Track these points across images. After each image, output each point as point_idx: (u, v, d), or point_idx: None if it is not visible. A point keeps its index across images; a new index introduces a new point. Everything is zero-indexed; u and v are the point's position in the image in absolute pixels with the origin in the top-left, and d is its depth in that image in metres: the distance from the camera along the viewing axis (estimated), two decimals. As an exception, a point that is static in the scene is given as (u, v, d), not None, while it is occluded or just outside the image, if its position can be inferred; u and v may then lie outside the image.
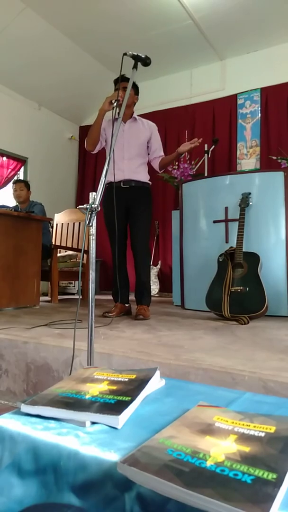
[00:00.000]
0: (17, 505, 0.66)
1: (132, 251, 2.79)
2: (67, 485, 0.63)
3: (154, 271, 5.08)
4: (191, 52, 4.89)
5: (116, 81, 2.67)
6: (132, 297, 2.86)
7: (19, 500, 0.66)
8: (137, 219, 2.77)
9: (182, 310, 3.31)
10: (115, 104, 2.50)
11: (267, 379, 1.25)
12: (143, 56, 1.89)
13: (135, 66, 1.89)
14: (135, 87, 2.76)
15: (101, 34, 4.50)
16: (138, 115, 2.87)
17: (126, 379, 0.90)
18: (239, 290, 2.63)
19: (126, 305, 2.86)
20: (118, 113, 1.82)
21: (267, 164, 4.49)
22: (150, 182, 2.88)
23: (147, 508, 0.55)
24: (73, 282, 5.14)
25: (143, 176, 2.82)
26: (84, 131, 6.18)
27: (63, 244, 4.39)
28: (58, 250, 4.07)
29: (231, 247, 2.83)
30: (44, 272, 3.70)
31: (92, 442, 0.66)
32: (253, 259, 2.72)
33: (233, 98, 4.99)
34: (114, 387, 0.86)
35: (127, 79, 2.15)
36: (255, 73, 4.80)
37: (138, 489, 0.56)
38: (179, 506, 0.52)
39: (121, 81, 2.25)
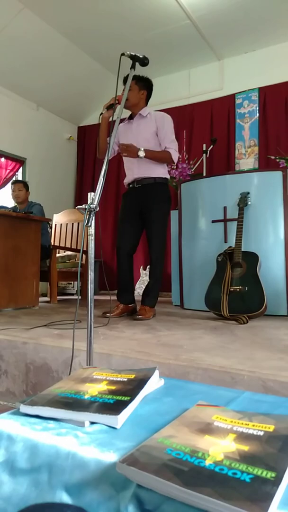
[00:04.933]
0: (5, 502, 0.66)
1: (149, 254, 2.77)
2: (61, 484, 0.63)
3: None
4: (189, 52, 4.89)
5: (125, 81, 2.63)
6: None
7: (7, 497, 0.67)
8: (151, 221, 2.71)
9: (181, 310, 3.31)
10: (105, 110, 2.50)
11: (266, 378, 1.25)
12: (141, 56, 1.90)
13: (133, 66, 1.90)
14: (143, 82, 2.68)
15: (99, 34, 4.50)
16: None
17: (125, 379, 0.90)
18: (238, 289, 2.63)
19: (130, 305, 2.83)
20: (118, 116, 1.82)
21: (265, 164, 4.48)
22: (166, 176, 2.78)
23: (143, 508, 0.55)
24: (72, 282, 5.14)
25: (156, 171, 2.70)
26: (83, 131, 6.17)
27: (62, 245, 4.39)
28: (57, 250, 4.07)
29: (230, 246, 2.83)
30: (43, 273, 3.69)
31: (91, 442, 0.66)
32: (252, 259, 2.73)
33: (231, 98, 4.96)
34: (113, 387, 0.86)
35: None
36: (253, 73, 4.80)
37: (134, 489, 0.56)
38: (175, 506, 0.52)
39: (123, 83, 2.24)
